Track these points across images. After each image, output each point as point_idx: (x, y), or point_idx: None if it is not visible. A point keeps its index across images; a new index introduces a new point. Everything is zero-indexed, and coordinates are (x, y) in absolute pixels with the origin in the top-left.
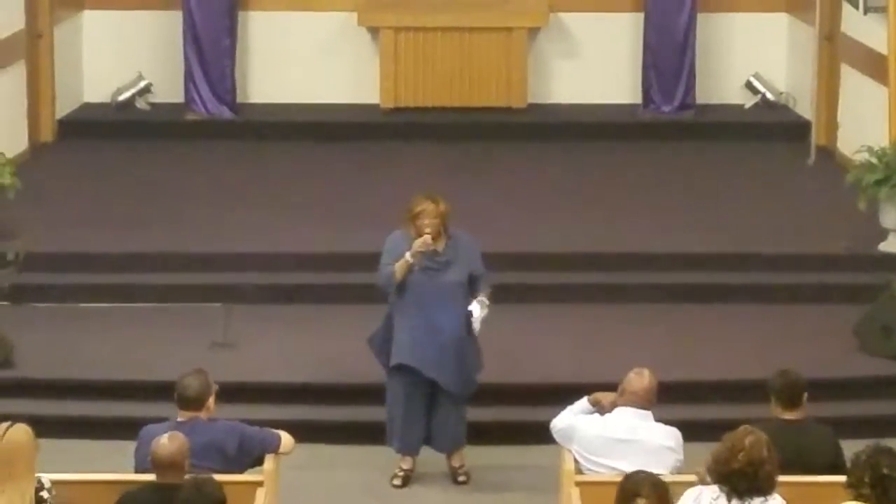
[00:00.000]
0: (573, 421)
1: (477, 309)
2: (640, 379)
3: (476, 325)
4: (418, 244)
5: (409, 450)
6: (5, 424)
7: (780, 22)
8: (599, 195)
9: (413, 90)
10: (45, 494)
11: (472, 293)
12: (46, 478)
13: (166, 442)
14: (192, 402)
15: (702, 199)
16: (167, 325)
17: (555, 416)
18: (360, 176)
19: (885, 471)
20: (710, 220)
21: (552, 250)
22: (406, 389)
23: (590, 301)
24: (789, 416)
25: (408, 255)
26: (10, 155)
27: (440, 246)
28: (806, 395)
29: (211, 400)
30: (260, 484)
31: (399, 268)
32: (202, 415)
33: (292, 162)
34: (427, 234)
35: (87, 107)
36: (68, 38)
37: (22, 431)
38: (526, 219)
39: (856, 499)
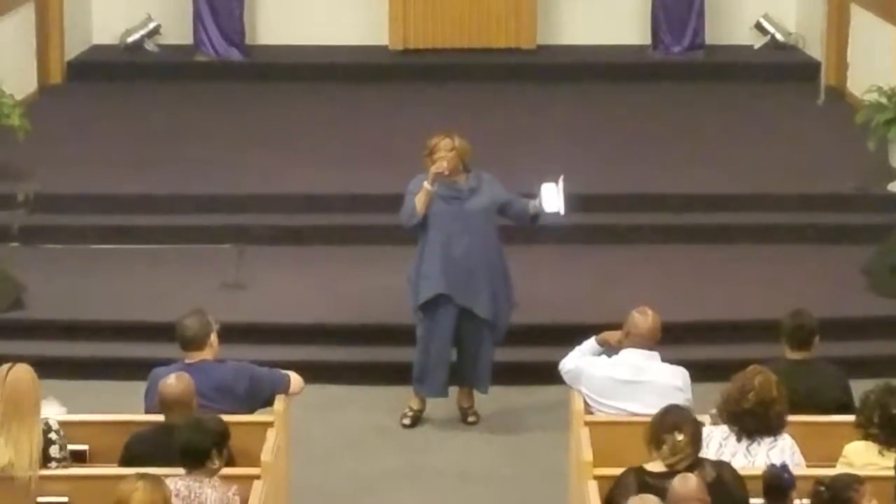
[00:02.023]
0: (581, 363)
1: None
2: (644, 319)
3: (553, 203)
4: (433, 168)
5: (437, 393)
6: (7, 365)
7: None
8: (608, 136)
9: (422, 32)
10: (53, 436)
11: (516, 213)
12: (54, 419)
13: (173, 382)
14: (192, 342)
15: (711, 140)
16: (178, 266)
17: (564, 356)
18: (370, 117)
19: (895, 411)
20: (720, 161)
21: None
22: (435, 330)
23: (599, 242)
24: (797, 356)
25: (426, 183)
26: (19, 97)
27: (460, 179)
28: (817, 337)
29: (212, 338)
30: (270, 424)
31: (420, 199)
32: (208, 355)
33: (301, 103)
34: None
35: (95, 49)
36: None
37: (24, 371)
38: (533, 160)
39: (864, 438)
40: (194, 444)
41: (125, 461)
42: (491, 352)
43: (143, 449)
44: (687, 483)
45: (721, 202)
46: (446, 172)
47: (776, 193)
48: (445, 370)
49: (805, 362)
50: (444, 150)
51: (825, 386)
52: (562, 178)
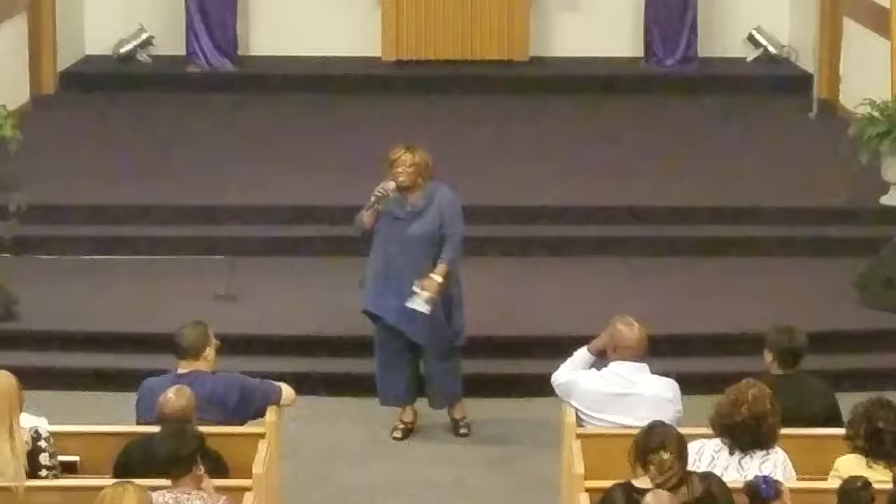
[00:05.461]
0: (572, 376)
1: (415, 302)
2: (630, 330)
3: (421, 308)
4: (377, 189)
5: (388, 402)
6: None
7: None
8: (600, 148)
9: (415, 43)
10: (42, 444)
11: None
12: (44, 428)
13: (173, 397)
14: (187, 352)
15: (703, 153)
16: (170, 277)
17: (556, 368)
18: (362, 128)
19: (881, 424)
20: (711, 174)
21: (551, 203)
22: (381, 340)
23: (589, 254)
24: (783, 371)
25: (372, 198)
26: (11, 107)
27: (414, 196)
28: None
29: (209, 351)
30: (262, 436)
31: (367, 214)
32: (202, 366)
33: (293, 114)
34: (400, 181)
35: (88, 59)
36: None
37: (2, 376)
38: (526, 172)
39: (852, 451)
40: (181, 451)
41: (118, 472)
42: (438, 368)
43: (133, 459)
44: (659, 499)
45: (712, 215)
46: (389, 195)
47: (768, 206)
48: (396, 381)
49: (791, 376)
50: (404, 166)
51: (811, 400)
52: (421, 302)
